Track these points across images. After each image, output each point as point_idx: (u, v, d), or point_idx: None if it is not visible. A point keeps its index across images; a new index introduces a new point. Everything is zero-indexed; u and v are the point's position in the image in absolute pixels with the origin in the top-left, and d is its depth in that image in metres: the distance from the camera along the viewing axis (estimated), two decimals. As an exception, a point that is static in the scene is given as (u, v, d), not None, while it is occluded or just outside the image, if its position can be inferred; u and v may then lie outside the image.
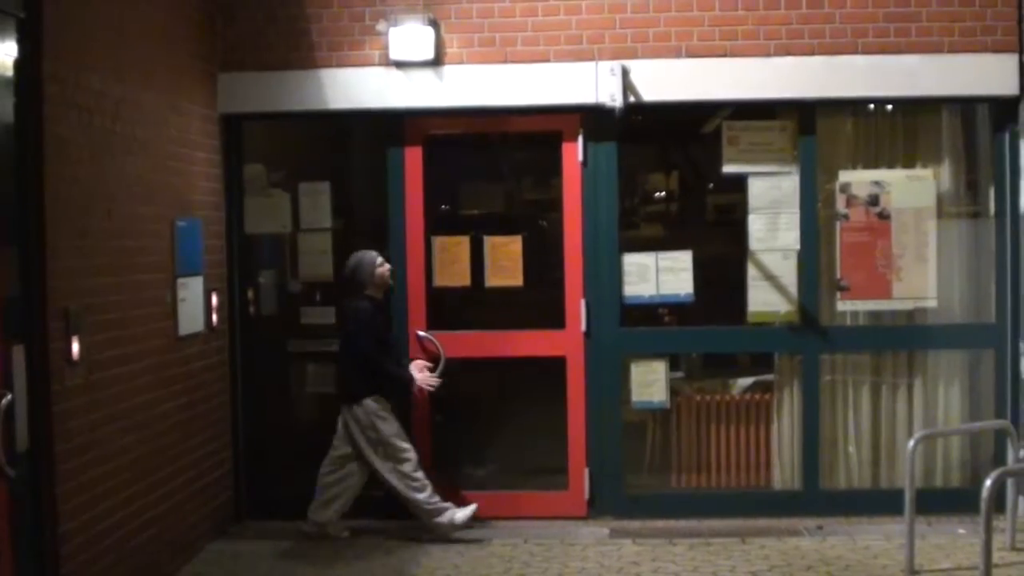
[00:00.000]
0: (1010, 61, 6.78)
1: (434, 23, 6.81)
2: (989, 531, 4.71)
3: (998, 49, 6.78)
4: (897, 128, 7.08)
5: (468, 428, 7.32)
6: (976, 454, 7.09)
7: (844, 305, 7.00)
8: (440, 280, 7.01)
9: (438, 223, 7.08)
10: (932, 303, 6.99)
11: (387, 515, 6.74)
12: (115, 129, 5.41)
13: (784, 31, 6.79)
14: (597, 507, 6.98)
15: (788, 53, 6.77)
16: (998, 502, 5.57)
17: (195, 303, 6.37)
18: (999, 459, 6.67)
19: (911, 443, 5.72)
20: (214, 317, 6.66)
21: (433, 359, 6.88)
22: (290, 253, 7.21)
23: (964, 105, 7.04)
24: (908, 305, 7.01)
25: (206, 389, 6.55)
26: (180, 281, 6.14)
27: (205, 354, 6.54)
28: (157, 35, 6.01)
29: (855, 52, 6.78)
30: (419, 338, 6.94)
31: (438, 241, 7.02)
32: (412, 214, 6.98)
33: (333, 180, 7.16)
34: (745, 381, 7.21)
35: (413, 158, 6.99)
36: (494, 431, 7.36)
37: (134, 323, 5.56)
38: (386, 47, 6.84)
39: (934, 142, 7.08)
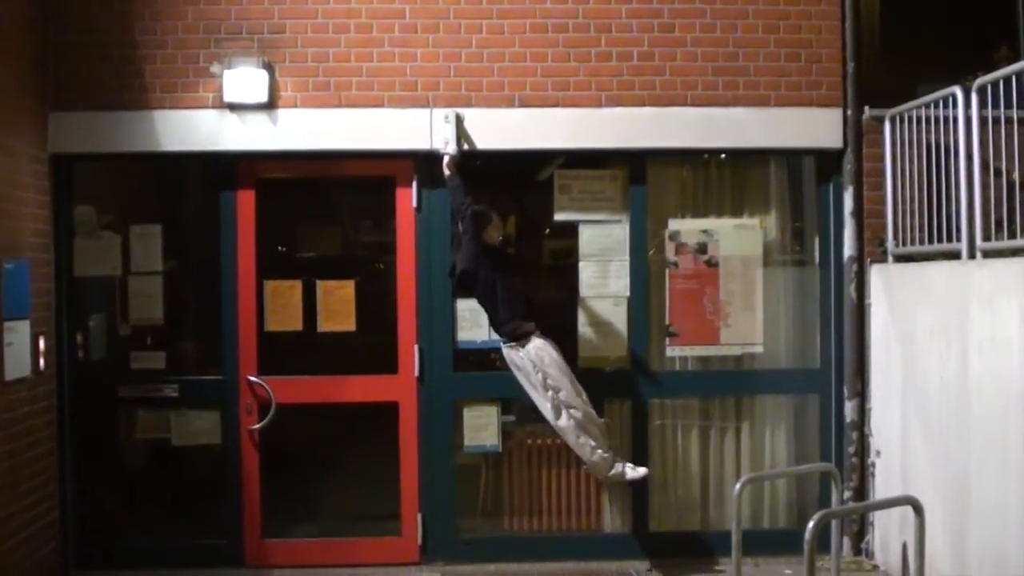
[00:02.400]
0: (835, 115, 7.66)
1: (269, 66, 7.42)
2: (812, 572, 5.19)
3: (823, 103, 7.64)
4: (725, 178, 7.88)
5: (301, 475, 7.80)
6: (802, 496, 7.90)
7: (673, 351, 7.78)
8: (272, 324, 7.56)
9: (271, 267, 7.61)
10: (759, 349, 7.80)
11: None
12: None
13: (615, 82, 7.55)
14: (430, 552, 7.60)
15: (619, 104, 7.53)
16: (823, 543, 6.17)
17: (22, 347, 6.80)
18: (824, 501, 7.45)
19: (738, 486, 6.33)
20: (41, 361, 7.10)
21: (264, 405, 7.47)
22: (120, 296, 7.68)
23: (791, 157, 7.87)
24: (736, 351, 7.80)
25: (32, 435, 6.96)
26: (7, 324, 6.55)
27: (32, 399, 6.96)
28: None
29: (685, 104, 7.56)
30: (250, 383, 7.51)
31: (270, 285, 7.57)
32: (244, 257, 7.54)
33: (165, 223, 7.66)
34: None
35: (246, 201, 7.56)
36: (327, 477, 7.84)
37: (-44, 368, 5.90)
38: (220, 89, 7.39)
39: (762, 192, 7.90)
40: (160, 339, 7.63)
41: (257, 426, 7.48)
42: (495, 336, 7.30)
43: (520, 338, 6.83)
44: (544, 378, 6.78)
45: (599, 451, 6.91)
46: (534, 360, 6.74)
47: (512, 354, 6.83)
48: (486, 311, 6.96)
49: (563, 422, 6.80)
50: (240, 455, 7.47)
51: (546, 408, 6.81)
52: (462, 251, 6.93)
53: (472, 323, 7.56)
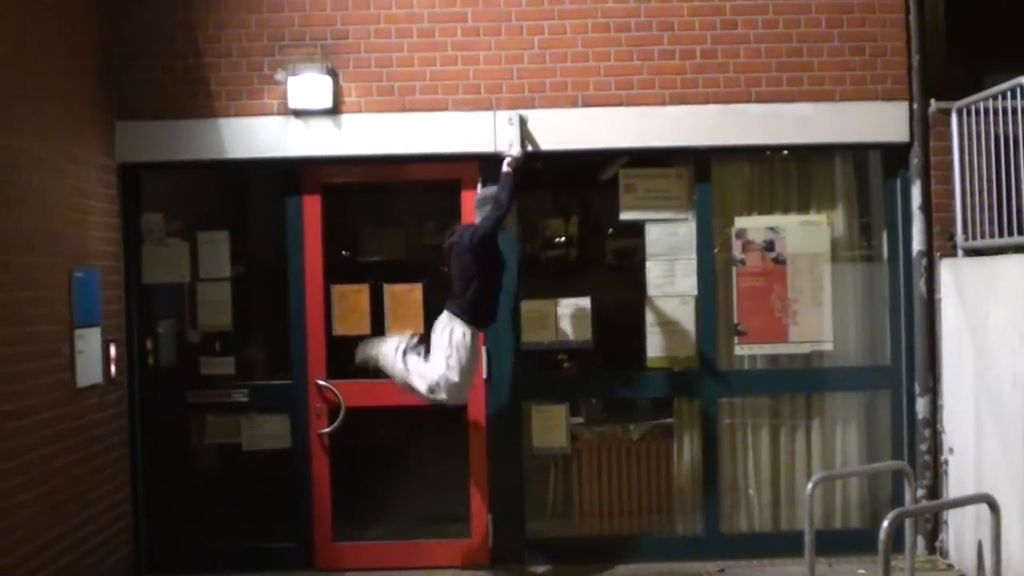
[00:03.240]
0: (900, 109, 7.73)
1: (332, 72, 7.60)
2: (887, 571, 5.21)
3: (889, 97, 7.71)
4: (791, 174, 7.98)
5: (370, 478, 7.95)
6: (875, 495, 7.96)
7: (742, 349, 7.87)
8: (340, 329, 7.72)
9: (338, 271, 7.80)
10: (828, 346, 7.88)
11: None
12: (11, 180, 6.06)
13: (679, 80, 7.67)
14: (500, 554, 7.73)
15: (683, 102, 7.65)
16: (897, 542, 6.17)
17: (93, 354, 7.02)
18: (897, 499, 7.53)
19: (810, 485, 6.37)
20: (112, 368, 7.31)
21: (334, 409, 7.64)
22: (189, 303, 7.89)
23: (856, 152, 7.96)
24: (805, 349, 7.88)
25: (105, 442, 7.18)
26: (78, 332, 6.78)
27: (103, 406, 7.18)
28: (54, 87, 6.69)
29: (749, 101, 7.67)
30: (319, 387, 7.69)
31: (338, 289, 7.75)
32: (311, 262, 7.72)
33: (232, 229, 7.87)
34: (645, 425, 8.04)
35: (312, 206, 7.75)
36: (397, 480, 7.97)
37: (30, 376, 6.18)
38: (285, 96, 7.59)
39: (828, 188, 7.99)
40: (229, 345, 7.83)
41: (327, 430, 7.65)
42: (562, 336, 7.50)
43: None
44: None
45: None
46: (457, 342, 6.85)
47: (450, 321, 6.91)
48: (453, 280, 6.98)
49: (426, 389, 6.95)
50: (310, 459, 7.65)
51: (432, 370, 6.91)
52: (470, 233, 7.02)
53: (538, 324, 7.70)
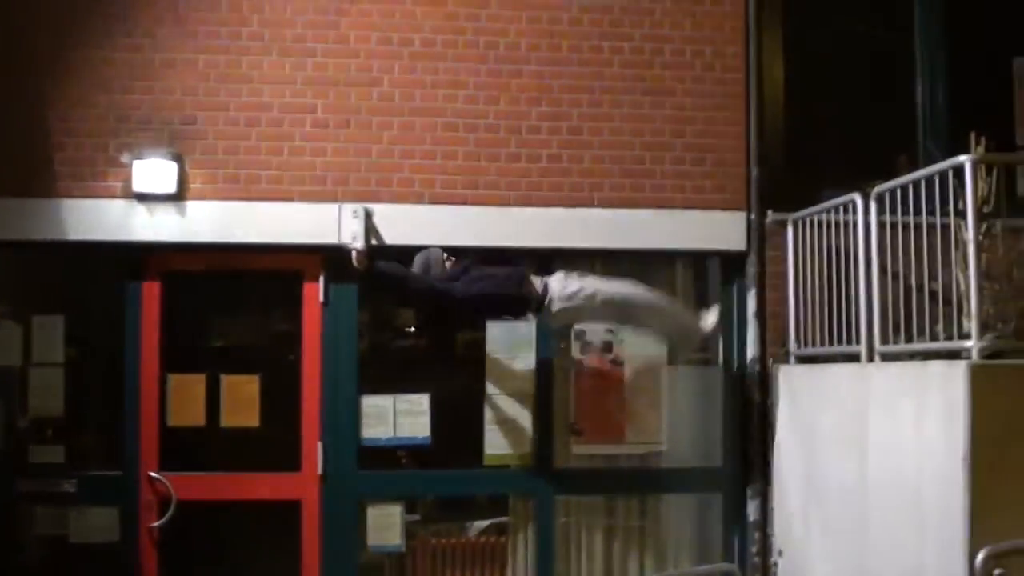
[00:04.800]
0: (738, 218, 8.15)
1: (178, 157, 7.71)
2: None
3: (727, 207, 8.14)
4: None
5: (201, 573, 7.94)
6: (705, 596, 8.28)
7: (578, 448, 8.14)
8: (175, 419, 7.78)
9: (175, 360, 7.83)
10: (663, 447, 8.20)
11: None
12: None
13: (524, 183, 7.98)
14: (328, 656, 7.76)
15: (528, 204, 7.96)
16: None
17: (-85, 439, 6.94)
18: (726, 602, 7.89)
19: (640, 586, 6.79)
20: (-64, 453, 7.22)
21: (165, 502, 7.67)
22: (20, 387, 7.84)
23: (696, 258, 8.36)
24: (640, 449, 8.19)
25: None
26: (-100, 416, 6.72)
27: (-76, 492, 7.04)
28: None
29: (592, 205, 8.01)
30: (151, 479, 7.72)
31: (174, 379, 7.81)
32: (148, 350, 7.76)
33: (68, 313, 7.86)
34: (481, 523, 8.23)
35: (151, 293, 7.80)
36: None
37: None
38: (129, 179, 7.69)
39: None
40: (60, 432, 7.77)
41: (157, 523, 7.63)
42: (400, 433, 7.71)
43: None
44: None
45: None
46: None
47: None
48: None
49: None
50: (139, 553, 7.62)
51: None
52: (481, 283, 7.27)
53: (377, 420, 7.85)
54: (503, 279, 7.21)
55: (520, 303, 7.24)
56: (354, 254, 7.35)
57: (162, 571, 7.72)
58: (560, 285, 7.25)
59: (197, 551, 7.89)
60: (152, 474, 7.70)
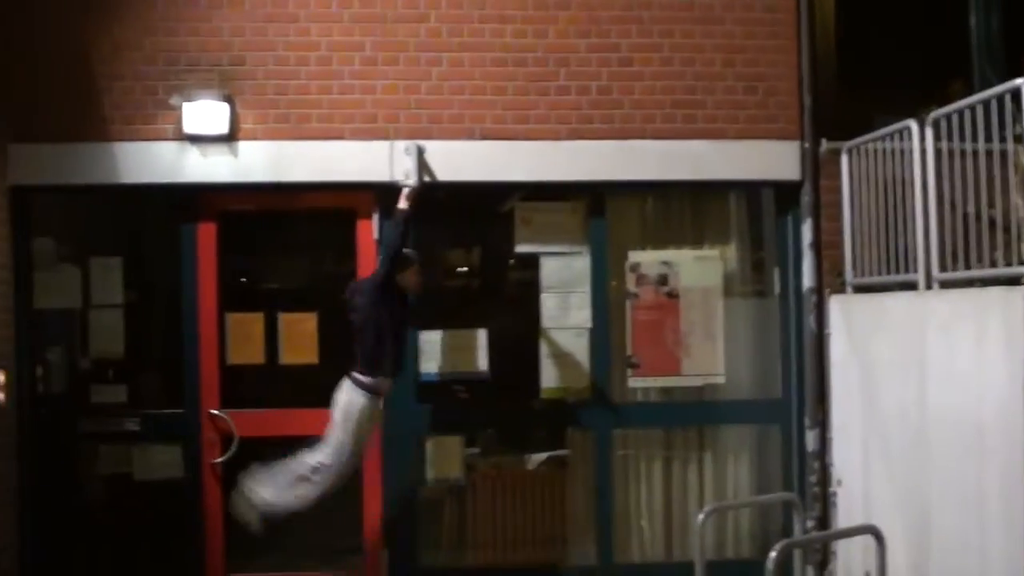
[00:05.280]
0: (792, 148, 8.09)
1: (229, 98, 7.75)
2: None
3: (781, 136, 8.07)
4: (685, 210, 8.30)
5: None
6: (765, 526, 8.27)
7: (635, 382, 8.17)
8: (234, 358, 7.88)
9: (233, 299, 7.93)
10: (720, 379, 8.21)
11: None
12: None
13: (575, 116, 7.95)
14: (393, 585, 7.84)
15: (579, 137, 7.92)
16: (786, 572, 6.62)
17: (-21, 382, 6.97)
18: (787, 531, 7.77)
19: (700, 516, 6.69)
20: (1, 395, 7.37)
21: (227, 439, 7.79)
22: (80, 329, 7.97)
23: (749, 189, 8.32)
24: (697, 382, 8.20)
25: (-9, 471, 7.16)
26: (-36, 359, 6.75)
27: (-9, 434, 7.13)
28: None
29: (643, 137, 7.97)
30: (212, 416, 7.83)
31: (232, 318, 7.90)
32: (205, 290, 7.84)
33: (126, 255, 7.97)
34: (539, 456, 8.31)
35: (207, 233, 7.88)
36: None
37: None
38: (180, 121, 7.73)
39: (721, 224, 8.32)
40: (121, 373, 7.91)
41: (219, 460, 7.75)
42: (458, 368, 7.76)
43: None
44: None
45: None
46: (343, 407, 7.06)
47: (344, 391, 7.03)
48: (355, 338, 7.19)
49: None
50: (202, 489, 7.76)
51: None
52: (363, 280, 7.30)
53: (434, 355, 7.88)
54: None
55: None
56: (404, 192, 7.30)
57: (225, 506, 7.77)
58: None
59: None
60: (213, 411, 7.76)
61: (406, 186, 7.39)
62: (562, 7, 7.99)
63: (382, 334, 7.04)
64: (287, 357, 7.87)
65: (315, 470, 6.98)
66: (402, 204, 7.28)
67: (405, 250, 7.22)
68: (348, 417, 7.00)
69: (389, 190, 7.69)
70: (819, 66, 8.21)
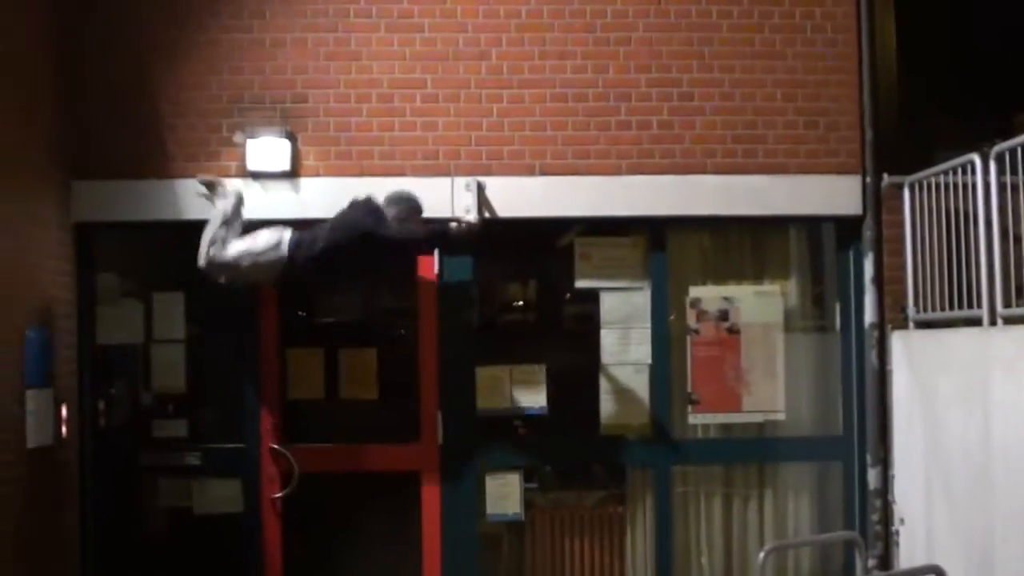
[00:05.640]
0: (854, 182, 8.05)
1: (291, 135, 7.83)
2: None
3: (842, 171, 8.05)
4: (745, 244, 8.27)
5: (322, 544, 8.06)
6: (826, 565, 8.19)
7: (695, 418, 8.13)
8: (294, 392, 7.92)
9: (293, 334, 7.97)
10: (781, 416, 8.16)
11: None
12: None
13: (635, 151, 7.96)
14: (452, 621, 7.84)
15: (639, 172, 7.94)
16: None
17: (44, 415, 7.11)
18: (848, 570, 7.79)
19: (761, 554, 6.63)
20: (63, 429, 7.41)
21: (286, 474, 7.81)
22: (142, 364, 8.03)
23: (810, 223, 8.28)
24: (758, 418, 8.16)
25: (54, 504, 7.29)
26: (29, 392, 6.88)
27: (54, 467, 7.27)
28: (9, 145, 6.81)
29: (704, 172, 7.97)
30: (272, 451, 7.85)
31: (293, 353, 7.95)
32: (267, 325, 7.88)
33: (188, 290, 8.01)
34: (599, 493, 8.27)
35: (269, 270, 7.94)
36: (350, 546, 8.08)
37: (-21, 437, 6.19)
38: (243, 158, 7.81)
39: (782, 258, 8.29)
40: (182, 407, 7.97)
41: (279, 495, 7.76)
42: (517, 403, 7.82)
43: None
44: None
45: None
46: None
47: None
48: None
49: None
50: (261, 524, 7.77)
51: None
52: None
53: (493, 390, 7.89)
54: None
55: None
56: (459, 224, 7.43)
57: (285, 541, 7.86)
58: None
59: (319, 522, 8.05)
60: (274, 446, 7.78)
61: (465, 221, 7.37)
62: (623, 43, 8.01)
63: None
64: (347, 392, 7.90)
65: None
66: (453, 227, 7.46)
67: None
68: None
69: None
70: (881, 100, 8.16)
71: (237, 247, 7.16)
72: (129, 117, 7.80)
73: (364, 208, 7.18)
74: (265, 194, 7.76)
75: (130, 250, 8.30)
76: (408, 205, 7.29)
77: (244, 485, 7.86)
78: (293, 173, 7.81)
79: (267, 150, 7.76)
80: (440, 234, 7.30)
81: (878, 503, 7.89)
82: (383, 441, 7.83)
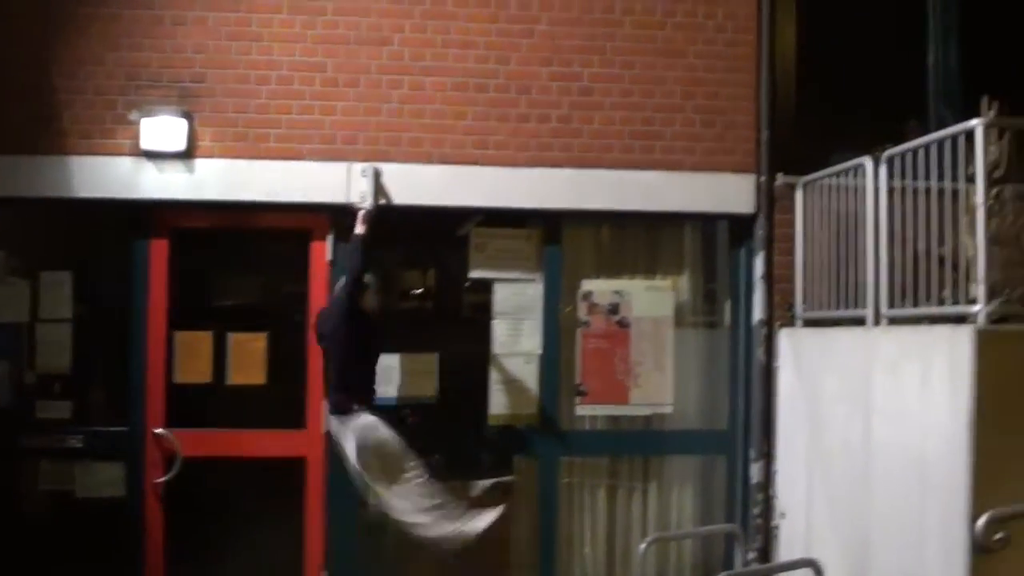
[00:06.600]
0: (748, 181, 8.10)
1: (188, 115, 7.68)
2: None
3: (737, 169, 8.10)
4: (640, 240, 8.28)
5: (206, 529, 7.94)
6: (708, 557, 8.26)
7: (583, 409, 8.14)
8: (181, 376, 7.79)
9: (182, 317, 7.83)
10: (668, 409, 8.20)
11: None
12: None
13: (534, 143, 7.93)
14: (335, 608, 7.77)
15: (537, 164, 7.90)
16: None
17: (-76, 393, 6.85)
18: (728, 562, 7.89)
19: (643, 546, 6.75)
20: (-56, 408, 7.17)
21: (171, 458, 7.69)
22: (28, 344, 7.85)
23: (704, 221, 8.32)
24: (645, 411, 8.19)
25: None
26: (-93, 369, 6.65)
27: (-70, 445, 7.01)
28: None
29: (602, 166, 7.97)
30: (156, 435, 7.72)
31: (181, 336, 7.81)
32: (155, 307, 7.74)
33: (76, 270, 7.84)
34: (485, 482, 8.23)
35: (159, 250, 7.77)
36: (233, 532, 7.94)
37: None
38: (138, 137, 7.65)
39: (675, 254, 8.31)
40: (68, 388, 7.77)
41: (162, 479, 7.64)
42: (408, 392, 7.71)
43: (344, 412, 7.07)
44: (360, 457, 6.99)
45: (439, 520, 6.96)
46: (358, 439, 7.00)
47: (337, 426, 7.13)
48: (328, 369, 7.24)
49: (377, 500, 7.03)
50: (144, 508, 7.64)
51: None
52: (328, 306, 7.28)
53: (383, 378, 7.75)
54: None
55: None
56: (360, 213, 7.28)
57: (167, 526, 7.75)
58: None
59: (202, 507, 7.92)
60: (158, 430, 7.67)
61: (362, 208, 7.30)
62: (526, 35, 7.97)
63: (351, 357, 7.07)
64: (235, 377, 7.78)
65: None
66: (359, 228, 7.25)
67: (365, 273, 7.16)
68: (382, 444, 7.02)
69: (345, 212, 7.66)
70: (778, 101, 8.21)
71: None
72: (23, 91, 7.59)
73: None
74: (159, 174, 7.61)
75: (18, 227, 8.06)
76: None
77: (127, 469, 7.72)
78: (188, 153, 7.66)
79: (163, 129, 7.60)
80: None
81: (760, 497, 7.97)
82: (270, 427, 7.69)
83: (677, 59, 8.10)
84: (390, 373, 7.80)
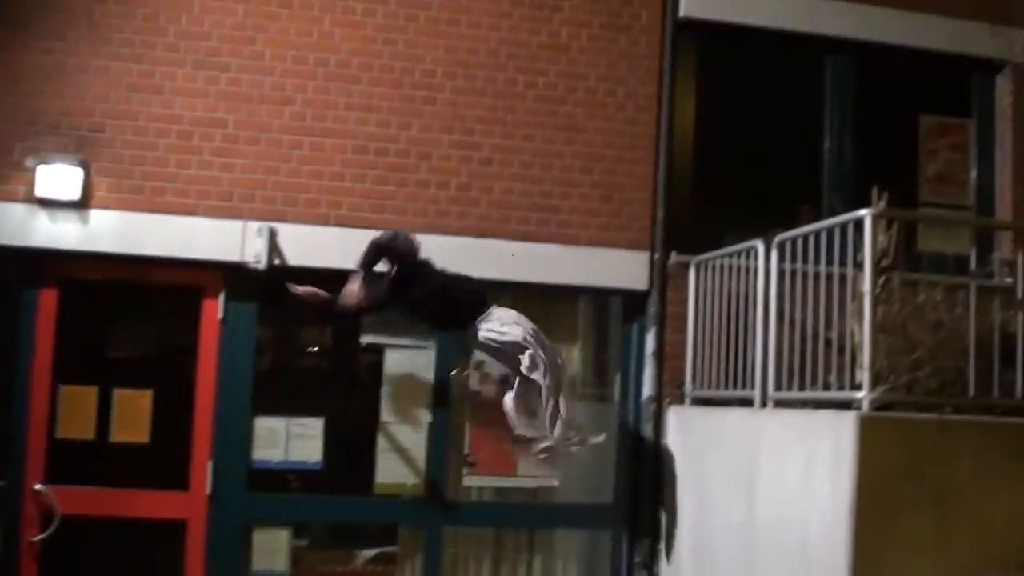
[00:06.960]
0: (642, 258, 8.25)
1: (85, 164, 7.59)
2: None
3: (632, 246, 8.25)
4: (535, 311, 8.25)
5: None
6: (590, 634, 8.28)
7: (471, 480, 8.15)
8: (63, 431, 7.61)
9: (68, 371, 7.69)
10: (555, 482, 8.24)
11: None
12: None
13: (432, 209, 8.00)
14: (209, 678, 7.66)
15: (435, 231, 7.92)
16: None
17: None
18: (612, 640, 7.92)
19: (526, 620, 6.80)
20: None
21: (48, 515, 7.50)
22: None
23: (599, 295, 8.44)
24: (532, 483, 8.22)
25: None
26: None
27: None
28: None
29: (499, 236, 8.06)
30: (35, 492, 7.54)
31: (65, 390, 7.66)
32: (40, 359, 7.59)
33: (-41, 317, 7.60)
34: (369, 552, 8.18)
35: (48, 301, 7.64)
36: None
37: None
38: (33, 184, 7.52)
39: (569, 326, 8.42)
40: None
41: (38, 537, 7.47)
42: (292, 456, 7.56)
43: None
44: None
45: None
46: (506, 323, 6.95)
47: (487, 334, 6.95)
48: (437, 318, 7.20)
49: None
50: (18, 568, 7.44)
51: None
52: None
53: (268, 442, 7.75)
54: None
55: (470, 316, 7.16)
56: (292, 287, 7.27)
57: (41, 585, 7.49)
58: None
59: (79, 567, 7.71)
60: (37, 486, 7.49)
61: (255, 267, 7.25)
62: (428, 102, 8.06)
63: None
64: (118, 434, 7.65)
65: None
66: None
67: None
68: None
69: (238, 270, 7.67)
70: (675, 180, 8.39)
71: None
72: (-86, 131, 7.37)
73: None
74: (52, 223, 7.50)
75: None
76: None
77: (3, 525, 7.51)
78: (83, 203, 7.57)
79: (58, 177, 7.50)
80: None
81: (644, 575, 7.93)
82: (152, 487, 7.57)
83: (577, 134, 8.25)
84: (275, 436, 7.65)
